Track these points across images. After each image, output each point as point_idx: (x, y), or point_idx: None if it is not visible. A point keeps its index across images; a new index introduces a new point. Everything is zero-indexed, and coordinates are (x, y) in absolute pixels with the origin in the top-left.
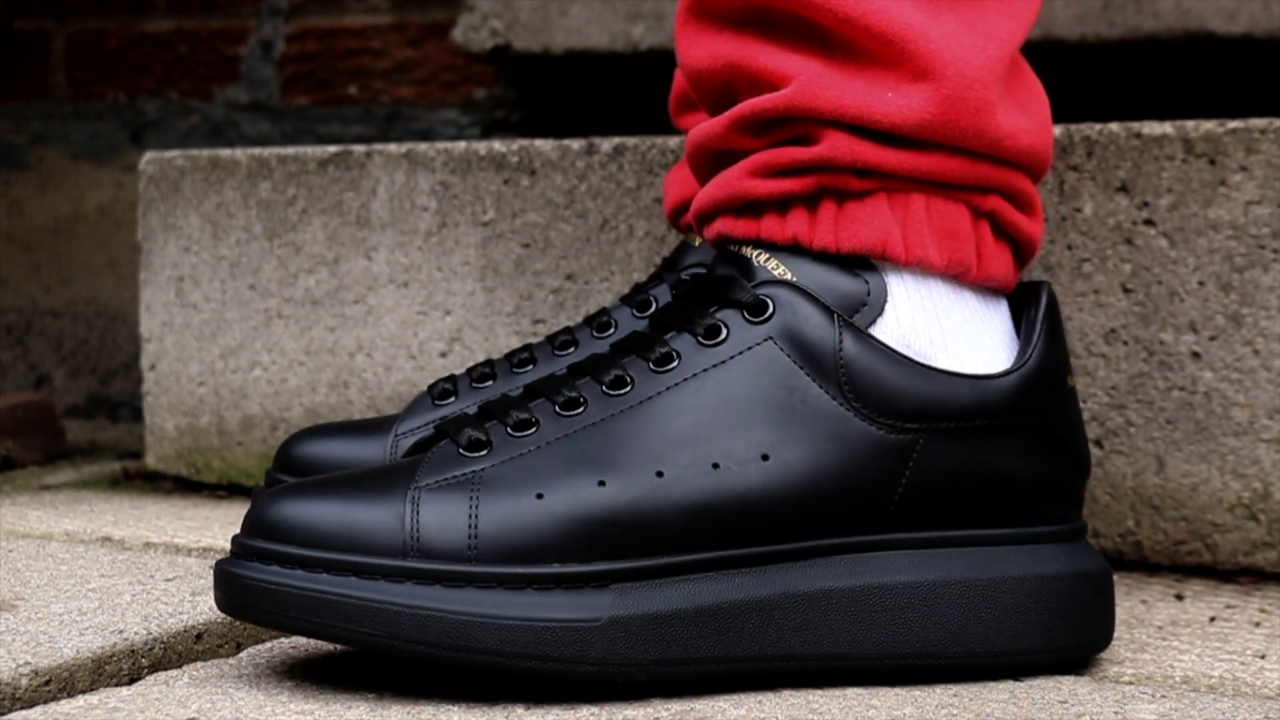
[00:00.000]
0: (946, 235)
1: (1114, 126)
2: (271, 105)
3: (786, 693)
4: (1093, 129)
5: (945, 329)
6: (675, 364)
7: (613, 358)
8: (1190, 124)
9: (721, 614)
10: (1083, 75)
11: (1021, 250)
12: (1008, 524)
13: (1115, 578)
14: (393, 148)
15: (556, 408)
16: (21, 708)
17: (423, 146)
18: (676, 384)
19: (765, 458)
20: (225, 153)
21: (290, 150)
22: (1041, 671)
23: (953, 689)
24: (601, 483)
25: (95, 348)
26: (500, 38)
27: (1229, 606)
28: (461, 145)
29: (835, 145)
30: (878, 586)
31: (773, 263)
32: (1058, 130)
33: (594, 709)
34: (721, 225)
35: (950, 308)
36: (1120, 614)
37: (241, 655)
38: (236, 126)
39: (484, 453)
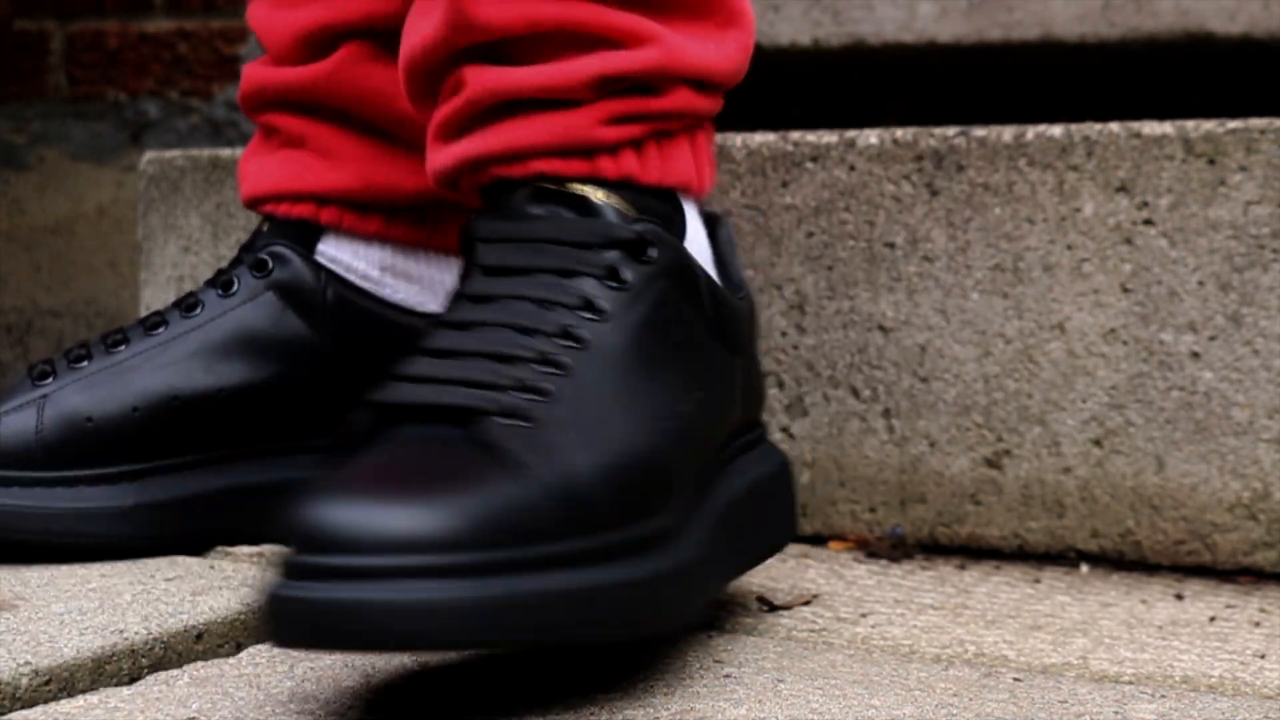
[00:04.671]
0: (709, 162)
1: (1114, 126)
2: None
3: (786, 692)
4: (1093, 129)
5: None
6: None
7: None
8: (1190, 124)
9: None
10: (1083, 75)
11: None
12: None
13: (1115, 577)
14: None
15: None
16: (21, 708)
17: None
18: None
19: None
20: (225, 153)
21: None
22: None
23: (953, 689)
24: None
25: None
26: None
27: (1229, 606)
28: None
29: (679, 98)
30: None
31: (602, 194)
32: (1058, 130)
33: (594, 709)
34: (545, 165)
35: None
36: (1120, 614)
37: (241, 655)
38: (236, 126)
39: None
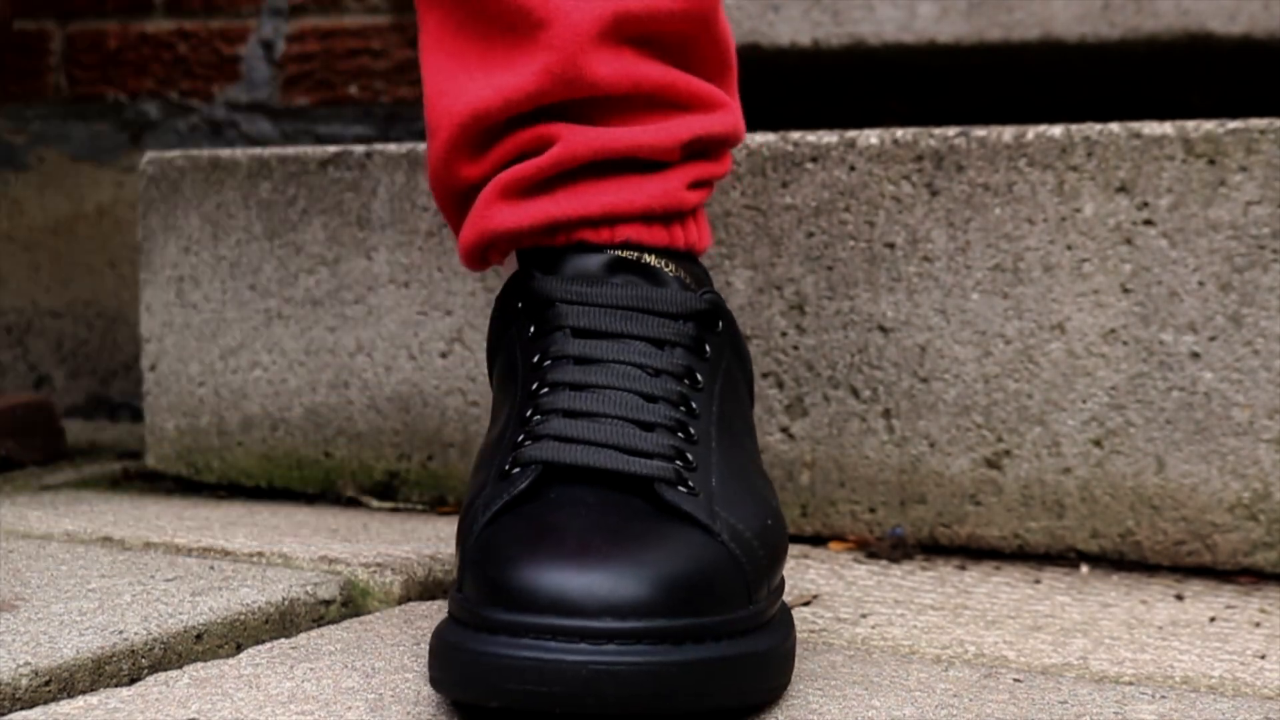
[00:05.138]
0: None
1: (1114, 126)
2: (271, 105)
3: (786, 692)
4: (1093, 129)
5: None
6: None
7: None
8: (1190, 124)
9: None
10: (1083, 75)
11: None
12: None
13: (1115, 577)
14: (393, 148)
15: None
16: (21, 708)
17: (423, 146)
18: None
19: None
20: (225, 153)
21: (290, 150)
22: None
23: (953, 689)
24: None
25: (95, 348)
26: None
27: (1229, 606)
28: None
29: (728, 163)
30: None
31: (671, 266)
32: (1058, 130)
33: None
34: (633, 232)
35: None
36: (1120, 614)
37: (241, 655)
38: (236, 126)
39: None
